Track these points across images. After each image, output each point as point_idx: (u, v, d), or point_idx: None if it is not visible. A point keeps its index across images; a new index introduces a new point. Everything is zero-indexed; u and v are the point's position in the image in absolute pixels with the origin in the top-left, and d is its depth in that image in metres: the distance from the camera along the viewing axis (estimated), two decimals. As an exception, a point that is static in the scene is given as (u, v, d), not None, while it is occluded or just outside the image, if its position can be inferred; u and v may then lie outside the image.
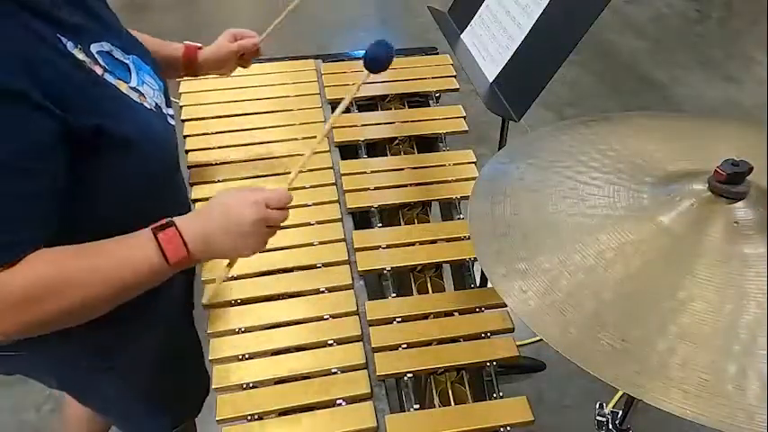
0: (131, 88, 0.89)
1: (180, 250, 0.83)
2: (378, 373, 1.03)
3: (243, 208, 0.87)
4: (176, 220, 0.85)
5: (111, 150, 0.83)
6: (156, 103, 0.94)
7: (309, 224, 1.28)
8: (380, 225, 1.30)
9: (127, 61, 0.91)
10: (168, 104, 0.99)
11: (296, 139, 1.48)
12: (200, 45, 1.22)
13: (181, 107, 1.54)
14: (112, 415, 1.30)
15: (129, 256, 0.82)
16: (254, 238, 0.88)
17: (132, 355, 1.09)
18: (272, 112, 1.55)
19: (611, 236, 0.80)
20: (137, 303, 0.87)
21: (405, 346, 1.07)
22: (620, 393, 1.75)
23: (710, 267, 0.74)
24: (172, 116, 0.99)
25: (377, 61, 0.96)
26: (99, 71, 0.84)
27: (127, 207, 0.89)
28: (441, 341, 1.09)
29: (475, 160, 1.45)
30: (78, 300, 0.79)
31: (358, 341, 1.08)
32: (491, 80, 1.43)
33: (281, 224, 0.92)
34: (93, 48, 0.85)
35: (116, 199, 0.88)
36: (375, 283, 1.24)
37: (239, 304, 1.13)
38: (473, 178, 1.38)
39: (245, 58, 1.28)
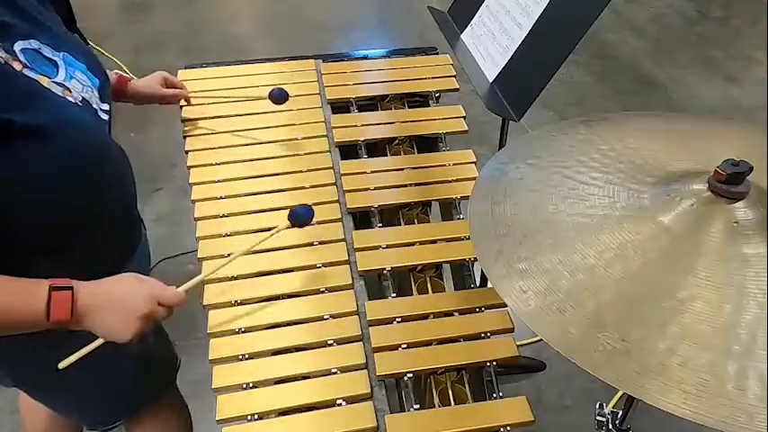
0: (55, 83, 0.93)
1: (64, 313, 0.88)
2: (378, 373, 1.03)
3: (138, 298, 0.94)
4: (77, 285, 0.90)
5: (29, 140, 0.86)
6: (84, 98, 0.97)
7: (309, 224, 1.28)
8: (380, 225, 1.30)
9: (56, 58, 0.96)
10: (103, 100, 1.03)
11: (296, 139, 1.49)
12: (130, 77, 1.36)
13: (181, 107, 1.54)
14: (69, 410, 1.30)
15: (18, 298, 0.87)
16: (133, 326, 0.94)
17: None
18: (272, 112, 1.55)
19: (611, 236, 0.80)
20: None
21: (405, 346, 1.07)
22: (620, 393, 1.75)
23: (710, 267, 0.74)
24: (106, 111, 1.03)
25: (300, 217, 1.15)
26: (18, 66, 0.88)
27: (64, 196, 0.93)
28: (441, 341, 1.09)
29: (475, 160, 1.44)
30: None
31: (358, 341, 1.08)
32: (491, 80, 1.43)
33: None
34: (18, 45, 0.90)
35: (48, 193, 0.91)
36: (375, 283, 1.24)
37: (239, 304, 1.13)
38: (473, 178, 1.38)
39: (167, 102, 1.46)
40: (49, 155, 0.89)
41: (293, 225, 1.14)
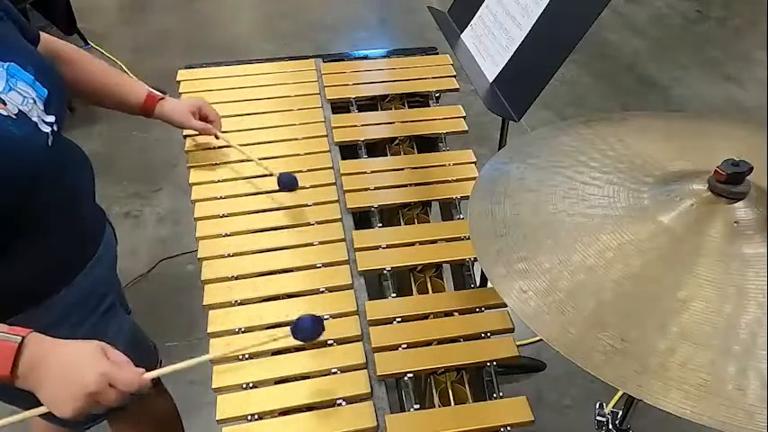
0: None
1: (4, 367, 0.81)
2: (378, 373, 1.03)
3: (89, 373, 0.83)
4: (28, 339, 0.83)
5: None
6: (21, 111, 0.94)
7: (309, 224, 1.28)
8: (380, 225, 1.30)
9: None
10: (49, 112, 0.99)
11: (296, 138, 1.49)
12: (162, 96, 1.32)
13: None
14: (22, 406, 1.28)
15: None
16: (75, 403, 0.83)
17: None
18: (272, 111, 1.55)
19: (611, 236, 0.80)
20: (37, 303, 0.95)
21: (405, 346, 1.07)
22: (620, 393, 1.75)
23: (710, 267, 0.74)
24: (50, 123, 0.99)
25: (304, 332, 0.97)
26: None
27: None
28: (441, 341, 1.09)
29: (475, 160, 1.45)
30: None
31: (358, 341, 1.08)
32: (491, 80, 1.43)
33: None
34: None
35: None
36: (375, 284, 1.24)
37: (239, 304, 1.13)
38: (473, 178, 1.38)
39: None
40: None
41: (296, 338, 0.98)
